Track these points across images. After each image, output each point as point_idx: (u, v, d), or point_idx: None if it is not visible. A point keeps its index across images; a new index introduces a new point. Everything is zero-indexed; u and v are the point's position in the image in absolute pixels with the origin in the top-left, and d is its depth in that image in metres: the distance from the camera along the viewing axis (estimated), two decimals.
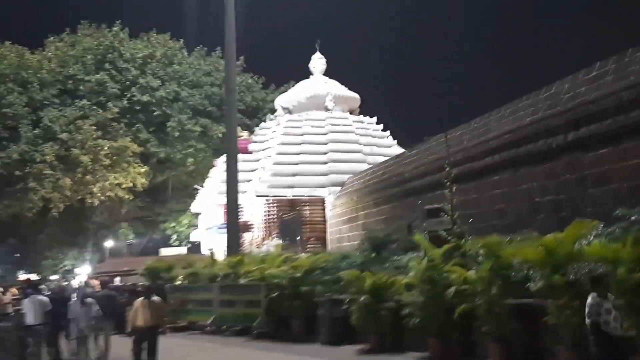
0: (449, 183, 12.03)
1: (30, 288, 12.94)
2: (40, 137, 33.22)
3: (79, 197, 34.41)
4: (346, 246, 24.00)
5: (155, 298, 10.88)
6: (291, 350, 13.44)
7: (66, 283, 26.44)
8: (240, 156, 31.17)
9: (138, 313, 10.39)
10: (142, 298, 10.75)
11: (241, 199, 27.58)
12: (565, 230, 8.77)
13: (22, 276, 43.40)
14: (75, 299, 13.19)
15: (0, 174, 32.23)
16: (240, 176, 27.95)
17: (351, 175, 27.46)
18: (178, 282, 20.87)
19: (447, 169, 12.24)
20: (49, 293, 15.60)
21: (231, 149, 22.91)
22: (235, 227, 22.53)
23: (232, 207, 22.45)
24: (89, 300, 12.79)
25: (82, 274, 37.42)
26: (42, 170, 31.96)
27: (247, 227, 27.62)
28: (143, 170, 35.18)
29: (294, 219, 22.16)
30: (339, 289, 15.29)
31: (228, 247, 22.43)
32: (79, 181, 33.42)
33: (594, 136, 12.46)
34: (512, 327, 9.67)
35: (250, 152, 30.40)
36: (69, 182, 32.73)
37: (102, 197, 34.62)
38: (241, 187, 27.23)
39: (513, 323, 9.67)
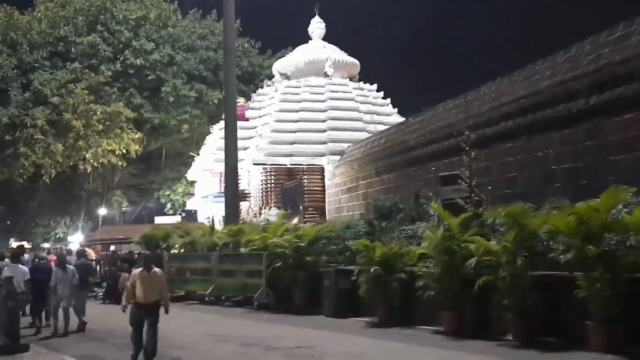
0: (467, 148, 11.33)
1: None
2: (30, 101, 32.18)
3: (71, 163, 33.57)
4: (345, 216, 23.43)
5: (156, 270, 9.35)
6: (294, 322, 12.89)
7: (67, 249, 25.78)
8: None
9: (137, 287, 8.96)
10: (139, 269, 9.24)
11: (237, 167, 26.93)
12: (601, 197, 8.12)
13: (14, 244, 42.75)
14: (56, 267, 13.00)
15: None
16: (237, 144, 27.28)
17: (351, 143, 26.77)
18: (175, 251, 20.25)
19: (466, 133, 11.53)
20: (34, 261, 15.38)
21: (230, 113, 22.09)
22: (233, 195, 21.86)
23: (231, 175, 21.73)
24: (71, 267, 12.90)
25: (75, 242, 36.73)
26: (33, 135, 31.02)
27: (243, 196, 27.00)
28: (137, 136, 34.29)
29: (295, 188, 21.50)
30: (344, 259, 14.74)
31: (226, 216, 21.80)
32: (70, 147, 32.51)
33: (618, 100, 11.79)
34: (534, 301, 9.11)
35: (246, 119, 29.57)
36: (61, 147, 31.81)
37: (95, 164, 33.78)
38: (238, 155, 26.55)
39: (536, 296, 9.10)
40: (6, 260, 13.97)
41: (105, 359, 9.36)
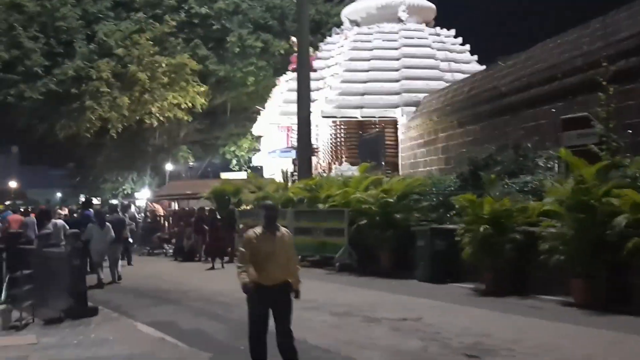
0: (606, 83, 9.35)
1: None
2: (95, 53, 31.46)
3: (137, 117, 32.87)
4: (422, 172, 21.64)
5: (284, 231, 5.93)
6: (386, 287, 11.42)
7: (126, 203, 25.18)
8: None
9: (258, 258, 5.63)
10: (258, 230, 5.77)
11: (310, 117, 25.48)
12: None
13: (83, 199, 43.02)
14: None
15: (56, 92, 30.82)
16: None
17: (427, 94, 24.78)
18: (246, 207, 19.09)
19: (605, 64, 9.52)
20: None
21: (302, 59, 20.48)
22: (306, 147, 20.41)
23: (303, 125, 20.24)
24: (107, 224, 13.14)
25: (142, 197, 36.43)
26: (99, 88, 30.38)
27: (311, 151, 25.51)
28: (202, 89, 33.17)
29: (376, 138, 19.81)
30: (438, 217, 13.12)
31: (298, 170, 20.41)
32: (136, 100, 31.77)
33: None
34: None
35: (314, 70, 27.79)
36: (127, 101, 31.09)
37: (161, 118, 32.99)
38: (310, 104, 25.07)
39: None
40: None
41: (182, 329, 8.10)
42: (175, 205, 29.11)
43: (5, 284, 8.17)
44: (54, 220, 12.88)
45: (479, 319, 8.24)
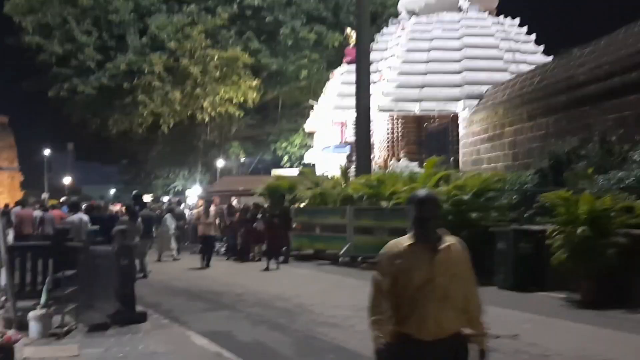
0: None
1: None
2: (147, 47, 31.13)
3: (189, 112, 32.42)
4: (485, 169, 20.20)
5: (451, 240, 3.39)
6: None
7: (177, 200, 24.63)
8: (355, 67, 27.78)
9: (409, 294, 3.15)
10: (407, 238, 3.33)
11: (370, 109, 24.43)
12: None
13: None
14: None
15: (108, 86, 30.63)
16: (355, 90, 24.77)
17: (491, 86, 23.29)
18: (302, 204, 18.07)
19: None
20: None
21: (362, 47, 19.30)
22: (365, 140, 19.26)
23: (363, 117, 19.10)
24: (139, 220, 13.28)
25: (193, 194, 35.99)
26: (151, 83, 30.02)
27: (370, 144, 24.33)
28: (254, 83, 32.42)
29: (444, 131, 18.49)
30: (518, 216, 11.79)
31: (357, 165, 19.28)
32: (188, 95, 31.30)
33: None
34: None
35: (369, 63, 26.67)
36: (179, 95, 30.63)
37: (212, 113, 32.42)
38: (370, 94, 24.01)
39: None
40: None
41: (240, 341, 7.10)
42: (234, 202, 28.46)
43: (46, 286, 7.31)
44: (78, 215, 12.17)
45: (588, 337, 6.96)
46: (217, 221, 22.60)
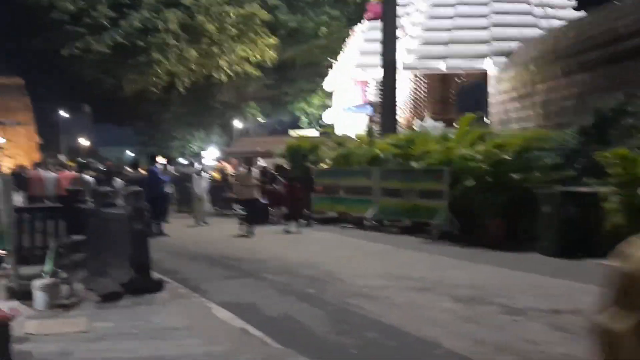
0: None
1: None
2: (162, 3, 29.94)
3: (205, 72, 31.42)
4: (514, 129, 19.24)
5: None
6: (502, 262, 9.35)
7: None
8: (378, 24, 26.59)
9: None
10: None
11: (380, 74, 23.43)
12: None
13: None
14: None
15: (122, 44, 29.62)
16: (379, 47, 23.76)
17: (520, 42, 22.09)
18: (325, 165, 17.24)
19: None
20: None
21: None
22: (391, 97, 18.32)
23: (389, 72, 18.19)
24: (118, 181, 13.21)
25: (209, 156, 35.28)
26: (166, 40, 28.97)
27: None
28: (272, 41, 31.26)
29: (477, 87, 17.42)
30: (563, 177, 10.87)
31: (382, 124, 18.35)
32: (204, 53, 30.26)
33: None
34: None
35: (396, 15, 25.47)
36: (194, 54, 29.62)
37: (229, 73, 31.38)
38: (379, 60, 23.02)
39: None
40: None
41: (267, 315, 6.35)
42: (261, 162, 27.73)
43: (50, 252, 6.58)
44: (84, 176, 11.57)
45: None
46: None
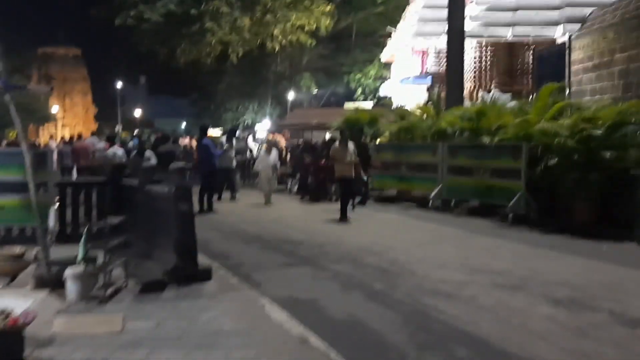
0: None
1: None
2: None
3: (259, 41, 30.45)
4: (587, 102, 17.60)
5: None
6: (596, 253, 8.15)
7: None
8: None
9: None
10: None
11: (442, 43, 22.03)
12: None
13: (210, 130, 42.02)
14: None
15: (175, 13, 28.91)
16: (441, 14, 22.31)
17: (595, 7, 20.24)
18: (383, 140, 16.13)
19: None
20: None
21: None
22: (458, 66, 16.97)
23: (455, 39, 16.88)
24: (147, 154, 12.47)
25: (262, 128, 34.49)
26: (219, 9, 28.04)
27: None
28: (328, 9, 29.96)
29: (558, 53, 15.85)
30: None
31: (447, 95, 17.04)
32: (258, 22, 29.24)
33: None
34: None
35: None
36: (248, 22, 28.64)
37: (283, 42, 30.32)
38: (441, 27, 21.66)
39: None
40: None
41: (330, 317, 5.41)
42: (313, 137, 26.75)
43: (84, 237, 5.78)
44: (111, 149, 10.99)
45: None
46: (289, 157, 21.12)
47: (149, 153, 12.68)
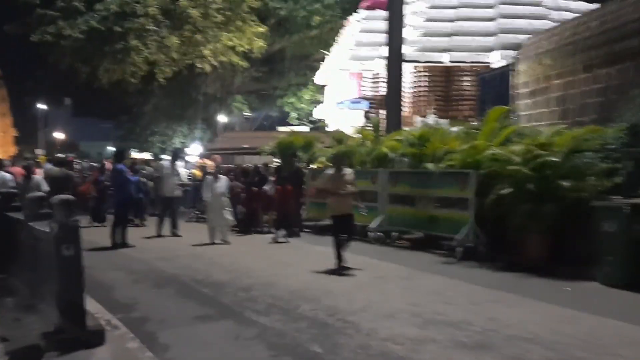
0: None
1: None
2: None
3: (188, 61, 28.95)
4: (525, 129, 17.28)
5: None
6: (559, 297, 7.25)
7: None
8: (376, 13, 24.72)
9: None
10: None
11: (378, 67, 21.63)
12: None
13: (135, 155, 40.00)
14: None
15: (98, 29, 27.02)
16: (377, 38, 21.98)
17: (530, 35, 20.35)
18: (321, 165, 15.04)
19: None
20: None
21: None
22: (396, 90, 16.19)
23: (394, 62, 16.02)
24: (36, 179, 11.89)
25: (193, 153, 32.87)
26: (145, 26, 26.41)
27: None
28: (261, 30, 28.88)
29: (500, 76, 15.26)
30: (618, 185, 8.77)
31: (387, 120, 16.18)
32: (187, 41, 27.73)
33: None
34: None
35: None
36: (176, 41, 27.09)
37: (214, 63, 28.96)
38: (377, 51, 21.34)
39: None
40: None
41: None
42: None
43: None
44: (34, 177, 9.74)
45: None
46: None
47: (38, 178, 11.18)
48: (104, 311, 6.39)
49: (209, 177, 12.92)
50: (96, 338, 5.18)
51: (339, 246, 9.06)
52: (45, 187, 10.97)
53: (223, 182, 12.68)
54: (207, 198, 12.63)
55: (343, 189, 9.17)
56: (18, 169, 13.17)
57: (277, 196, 13.46)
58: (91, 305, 6.56)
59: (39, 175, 16.05)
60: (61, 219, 5.12)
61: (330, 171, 9.59)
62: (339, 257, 9.02)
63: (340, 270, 8.83)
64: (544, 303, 6.88)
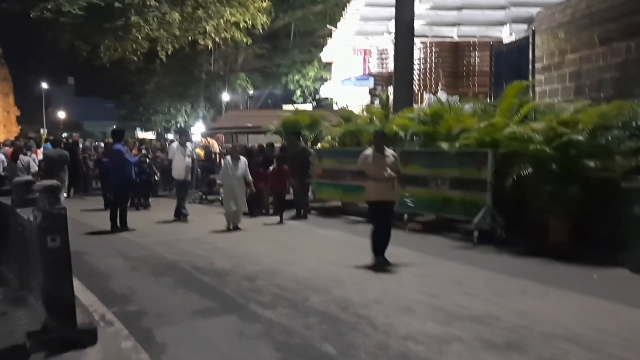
0: None
1: None
2: None
3: (190, 38, 28.28)
4: (538, 105, 16.60)
5: None
6: (590, 285, 6.74)
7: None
8: None
9: None
10: None
11: (384, 42, 20.90)
12: None
13: (140, 134, 39.50)
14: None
15: (97, 5, 26.33)
16: (383, 12, 21.16)
17: (542, 8, 19.56)
18: (327, 144, 14.50)
19: None
20: None
21: None
22: (406, 66, 15.52)
23: (404, 35, 15.38)
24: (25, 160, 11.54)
25: (197, 132, 32.31)
26: (145, 2, 25.72)
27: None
28: (264, 5, 28.12)
29: (519, 49, 14.54)
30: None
31: (395, 96, 15.55)
32: (188, 17, 27.06)
33: None
34: None
35: None
36: (177, 17, 26.41)
37: (216, 39, 28.29)
38: (384, 26, 20.59)
39: None
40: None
41: None
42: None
43: None
44: (21, 156, 9.34)
45: None
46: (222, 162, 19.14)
47: (27, 158, 10.62)
48: (99, 303, 5.95)
49: (228, 159, 11.80)
50: (88, 337, 4.70)
51: (376, 238, 7.96)
52: (36, 168, 10.48)
53: (243, 163, 11.66)
54: (224, 182, 11.69)
55: (385, 173, 8.00)
56: (9, 150, 12.69)
57: (271, 176, 12.94)
58: (85, 296, 6.13)
59: (39, 156, 15.63)
60: (44, 206, 4.61)
61: (369, 151, 8.33)
62: (378, 251, 7.92)
63: (380, 266, 7.76)
64: (574, 293, 6.36)
